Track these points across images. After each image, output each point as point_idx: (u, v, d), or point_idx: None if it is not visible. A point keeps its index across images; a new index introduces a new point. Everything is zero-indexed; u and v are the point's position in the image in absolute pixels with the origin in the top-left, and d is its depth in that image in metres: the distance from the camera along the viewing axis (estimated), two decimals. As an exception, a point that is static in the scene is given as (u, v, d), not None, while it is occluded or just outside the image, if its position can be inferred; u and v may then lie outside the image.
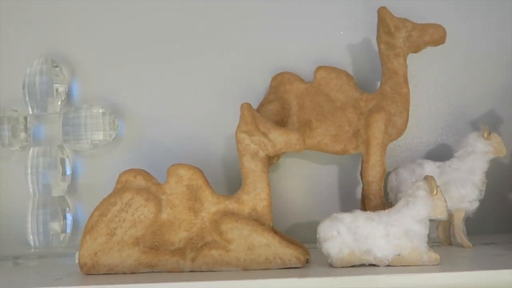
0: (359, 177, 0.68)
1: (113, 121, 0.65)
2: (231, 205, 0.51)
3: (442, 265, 0.47)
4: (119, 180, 0.53)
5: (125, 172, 0.53)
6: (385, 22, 0.56)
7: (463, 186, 0.56)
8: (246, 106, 0.52)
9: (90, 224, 0.51)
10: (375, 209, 0.56)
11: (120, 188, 0.52)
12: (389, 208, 0.50)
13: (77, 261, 0.58)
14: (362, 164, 0.59)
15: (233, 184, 0.68)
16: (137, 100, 0.69)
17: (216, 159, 0.68)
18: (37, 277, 0.52)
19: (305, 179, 0.68)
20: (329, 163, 0.68)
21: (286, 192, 0.69)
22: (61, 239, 0.64)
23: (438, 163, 0.59)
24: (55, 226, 0.64)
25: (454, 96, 0.69)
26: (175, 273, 0.50)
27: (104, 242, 0.51)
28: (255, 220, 0.51)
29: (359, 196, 0.68)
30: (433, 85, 0.68)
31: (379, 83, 0.68)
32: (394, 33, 0.56)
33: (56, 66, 0.66)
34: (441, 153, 0.68)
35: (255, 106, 0.68)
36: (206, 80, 0.69)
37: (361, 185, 0.68)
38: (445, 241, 0.60)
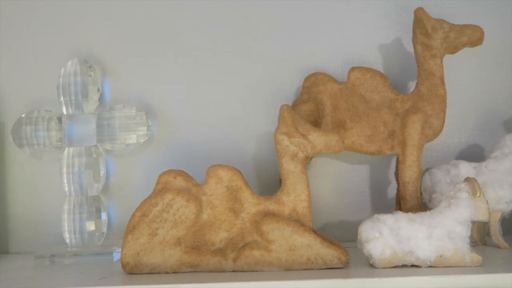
0: (390, 177, 0.69)
1: (147, 121, 0.65)
2: (271, 206, 0.52)
3: (485, 267, 0.47)
4: (159, 181, 0.54)
5: (165, 173, 0.54)
6: (422, 23, 0.56)
7: (501, 187, 0.56)
8: (286, 108, 0.52)
9: (131, 224, 0.52)
10: (411, 209, 0.57)
11: (161, 189, 0.53)
12: (430, 210, 0.50)
13: (114, 260, 0.60)
14: (397, 164, 0.60)
15: (264, 183, 0.69)
16: (168, 101, 0.69)
17: (247, 159, 0.69)
18: (80, 276, 0.53)
19: (336, 178, 0.69)
20: (359, 162, 0.69)
21: (317, 191, 0.69)
22: (96, 238, 0.65)
23: (473, 164, 0.59)
24: (91, 225, 0.64)
25: (485, 96, 0.69)
26: (217, 273, 0.51)
27: (146, 242, 0.51)
28: (296, 221, 0.51)
29: (390, 195, 0.69)
30: (464, 85, 0.68)
31: (410, 83, 0.69)
32: (431, 34, 0.56)
33: (90, 67, 0.66)
34: (472, 153, 0.68)
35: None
36: (237, 81, 0.69)
37: (392, 185, 0.69)
38: (480, 241, 0.60)
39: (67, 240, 0.64)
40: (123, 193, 0.69)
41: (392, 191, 0.68)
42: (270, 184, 0.68)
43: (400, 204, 0.60)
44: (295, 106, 0.63)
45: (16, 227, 0.70)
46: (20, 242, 0.70)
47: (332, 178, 0.69)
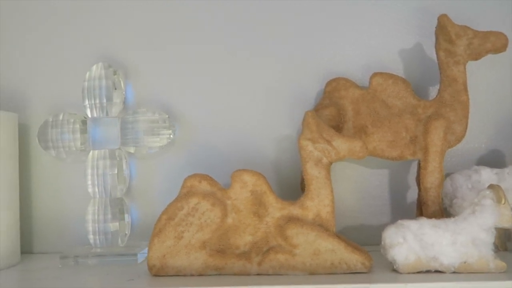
0: (410, 181, 0.69)
1: (170, 125, 0.66)
2: (295, 210, 0.53)
3: (509, 273, 0.48)
4: (184, 185, 0.55)
5: (190, 177, 0.55)
6: (445, 30, 0.57)
7: (523, 193, 0.56)
8: (310, 114, 0.53)
9: (158, 227, 0.53)
10: (433, 215, 0.57)
11: (187, 193, 0.54)
12: (451, 215, 0.51)
13: (139, 261, 0.61)
14: (419, 170, 0.60)
15: (284, 187, 0.70)
16: (189, 104, 0.70)
17: (267, 162, 0.69)
18: (107, 277, 0.54)
19: (355, 182, 0.69)
20: (379, 167, 0.69)
21: (336, 195, 0.67)
22: (120, 239, 0.66)
23: (495, 170, 0.59)
24: (114, 226, 0.65)
25: (505, 101, 0.69)
26: (242, 276, 0.51)
27: (172, 245, 0.52)
28: (320, 225, 0.52)
29: (409, 200, 0.69)
30: (484, 91, 0.69)
31: (430, 88, 0.70)
32: (455, 41, 0.57)
33: (115, 72, 0.68)
34: (493, 159, 0.68)
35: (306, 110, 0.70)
36: (258, 85, 0.70)
37: (411, 189, 0.70)
38: (501, 247, 0.60)
39: (91, 241, 0.66)
40: (145, 196, 0.70)
41: (411, 196, 0.68)
42: (290, 188, 0.69)
43: (421, 209, 0.60)
44: (316, 111, 0.63)
45: (40, 227, 0.71)
46: (43, 242, 0.71)
47: (351, 181, 0.69)
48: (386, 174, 0.69)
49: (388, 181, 0.69)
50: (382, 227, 0.67)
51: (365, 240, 0.64)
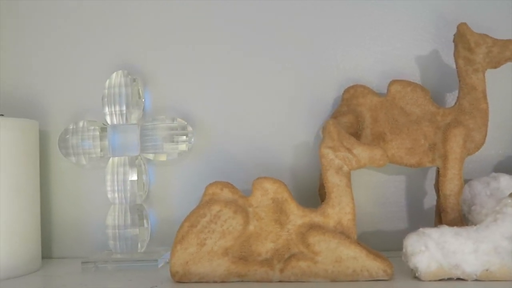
0: (426, 188, 0.70)
1: (189, 132, 0.67)
2: (316, 218, 0.53)
3: (531, 281, 0.48)
4: (206, 192, 0.55)
5: (211, 185, 0.55)
6: (465, 38, 0.57)
7: (543, 201, 0.56)
8: (332, 123, 0.53)
9: (180, 235, 0.54)
10: (452, 222, 0.58)
11: (209, 200, 0.54)
12: (470, 222, 0.51)
13: (159, 266, 0.62)
14: (438, 177, 0.60)
15: (301, 193, 0.70)
16: (206, 111, 0.71)
17: (284, 169, 0.70)
18: (130, 283, 0.54)
19: (372, 188, 0.70)
20: (396, 173, 0.69)
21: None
22: (139, 245, 0.67)
23: (514, 177, 0.59)
24: (134, 232, 0.66)
25: (523, 108, 0.69)
26: (264, 283, 0.52)
27: (194, 252, 0.53)
28: (341, 233, 0.52)
29: (426, 206, 0.69)
30: (501, 97, 0.68)
31: (447, 95, 0.70)
32: (474, 49, 0.57)
33: (134, 79, 0.68)
34: (510, 165, 0.68)
35: (323, 117, 0.71)
36: (275, 92, 0.70)
37: (428, 196, 0.70)
38: (520, 254, 0.61)
39: (111, 247, 0.67)
40: (163, 202, 0.71)
41: (428, 202, 0.69)
42: (308, 194, 0.69)
43: (440, 216, 0.60)
44: (334, 118, 0.64)
45: (60, 233, 0.72)
46: (63, 247, 0.72)
47: (368, 188, 0.70)
48: (403, 180, 0.69)
49: (405, 187, 0.69)
50: (398, 233, 0.69)
51: (382, 245, 0.64)
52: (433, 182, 0.65)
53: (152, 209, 0.71)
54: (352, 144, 0.53)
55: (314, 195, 0.67)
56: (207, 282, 0.53)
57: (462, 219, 0.59)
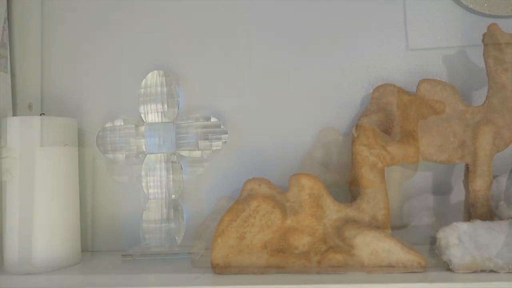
0: (453, 183, 0.71)
1: (223, 130, 0.69)
2: (351, 213, 0.55)
3: (562, 273, 0.50)
4: (244, 188, 0.58)
5: (249, 181, 0.58)
6: (495, 38, 0.59)
7: None
8: (366, 121, 0.55)
9: (221, 228, 0.56)
10: (481, 217, 0.59)
11: (247, 196, 0.57)
12: (499, 217, 0.53)
13: (196, 259, 0.64)
14: (467, 173, 0.62)
15: (331, 188, 0.72)
16: (239, 109, 0.73)
17: (316, 165, 0.72)
18: (173, 275, 0.57)
19: (400, 184, 0.72)
20: (423, 169, 0.71)
21: None
22: (175, 239, 0.69)
23: (542, 173, 0.61)
24: (170, 227, 0.69)
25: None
26: (303, 274, 0.54)
27: (234, 245, 0.56)
28: (376, 227, 0.54)
29: (453, 201, 0.71)
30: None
31: (473, 93, 0.72)
32: (504, 49, 0.59)
33: (169, 79, 0.71)
34: (536, 161, 0.70)
35: (352, 116, 0.73)
36: (305, 91, 0.72)
37: (454, 191, 0.72)
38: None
39: (148, 241, 0.69)
40: (196, 198, 0.73)
41: (454, 197, 0.70)
42: (338, 189, 0.71)
43: (468, 212, 0.62)
44: (364, 116, 0.66)
45: (98, 227, 0.75)
46: (101, 241, 0.75)
47: (396, 183, 0.71)
48: (430, 176, 0.71)
49: (432, 182, 0.71)
50: (425, 228, 0.71)
51: (410, 240, 0.66)
52: (461, 178, 0.67)
53: (186, 204, 0.74)
54: (386, 141, 0.55)
55: (343, 190, 0.69)
56: (246, 273, 0.55)
57: (491, 214, 0.60)
